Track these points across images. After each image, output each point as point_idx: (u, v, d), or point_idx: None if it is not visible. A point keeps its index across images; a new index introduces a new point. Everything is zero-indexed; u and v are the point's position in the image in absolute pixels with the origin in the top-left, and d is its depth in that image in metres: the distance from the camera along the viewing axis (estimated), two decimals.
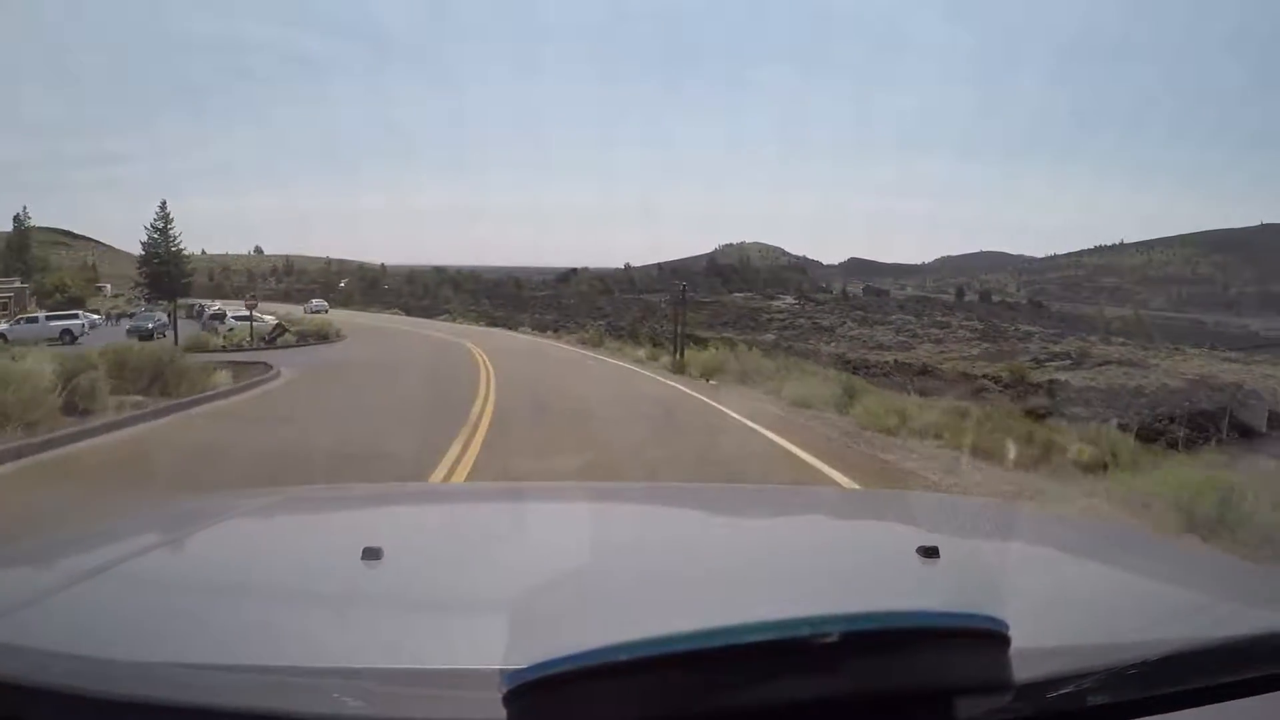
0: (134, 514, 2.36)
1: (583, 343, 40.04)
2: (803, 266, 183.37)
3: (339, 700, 1.00)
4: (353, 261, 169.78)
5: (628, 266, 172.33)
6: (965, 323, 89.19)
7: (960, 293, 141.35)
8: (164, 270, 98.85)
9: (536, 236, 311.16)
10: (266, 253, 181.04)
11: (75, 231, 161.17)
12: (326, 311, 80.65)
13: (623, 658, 0.81)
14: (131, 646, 1.18)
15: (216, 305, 53.90)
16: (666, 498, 2.81)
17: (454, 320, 67.71)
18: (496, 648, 1.06)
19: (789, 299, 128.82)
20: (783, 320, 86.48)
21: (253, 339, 35.42)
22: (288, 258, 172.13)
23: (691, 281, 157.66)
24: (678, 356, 27.93)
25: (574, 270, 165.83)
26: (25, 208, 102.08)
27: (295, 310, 66.65)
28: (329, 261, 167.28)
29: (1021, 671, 0.92)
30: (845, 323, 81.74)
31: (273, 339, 36.13)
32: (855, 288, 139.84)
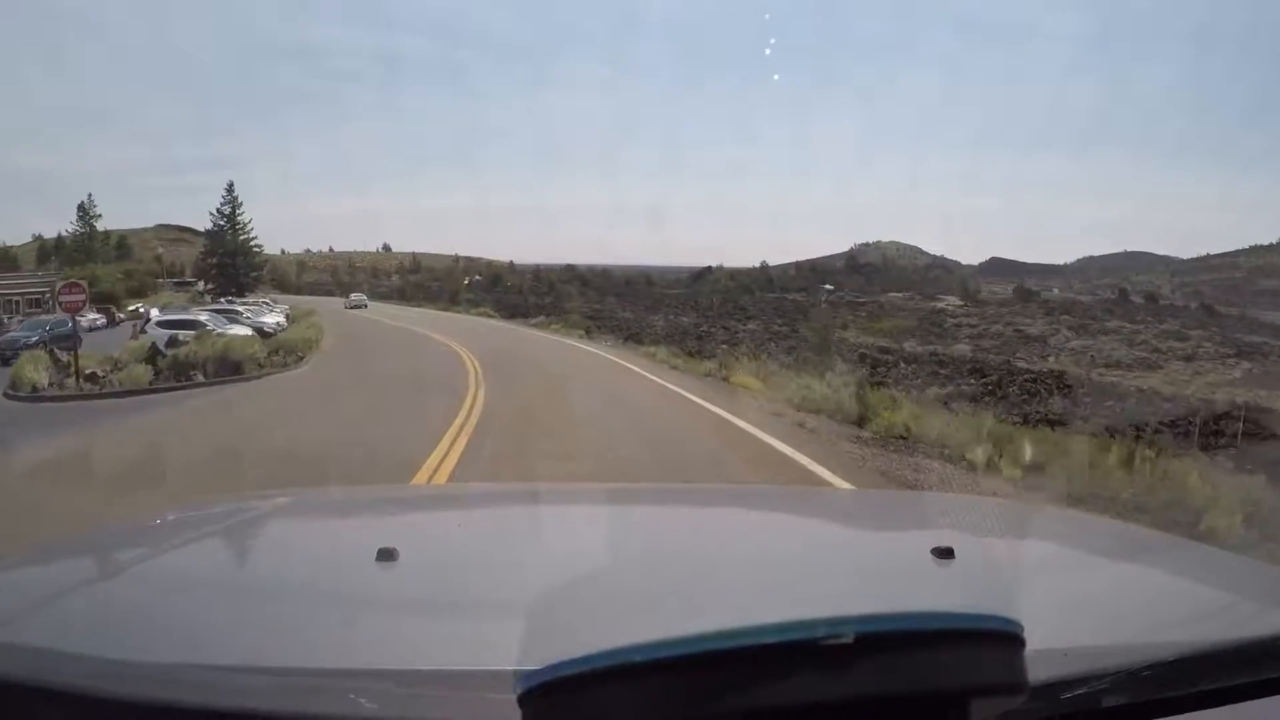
0: (149, 515, 2.20)
1: (796, 409, 13.86)
2: (948, 265, 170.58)
3: (354, 701, 1.00)
4: (481, 259, 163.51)
5: (764, 265, 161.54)
6: (1190, 330, 70.87)
7: (1124, 294, 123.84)
8: (229, 262, 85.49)
9: (666, 236, 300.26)
10: (394, 250, 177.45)
11: (197, 229, 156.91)
12: (365, 306, 74.45)
13: (637, 659, 0.81)
14: (147, 648, 1.17)
15: (144, 308, 39.96)
16: (681, 499, 2.74)
17: (548, 327, 44.77)
18: (511, 649, 1.05)
19: (952, 299, 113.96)
20: (973, 327, 69.59)
21: (76, 371, 19.25)
22: (414, 255, 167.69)
23: (833, 280, 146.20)
24: None
25: (708, 268, 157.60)
26: (90, 195, 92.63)
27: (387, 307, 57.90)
28: (456, 258, 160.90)
29: (1036, 672, 0.92)
30: (1059, 331, 64.48)
31: (93, 376, 19.14)
32: (1001, 288, 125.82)
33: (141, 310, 45.17)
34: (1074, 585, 1.62)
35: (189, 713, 0.96)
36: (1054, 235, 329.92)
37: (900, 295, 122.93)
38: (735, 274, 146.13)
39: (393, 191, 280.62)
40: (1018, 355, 53.38)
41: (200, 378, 20.31)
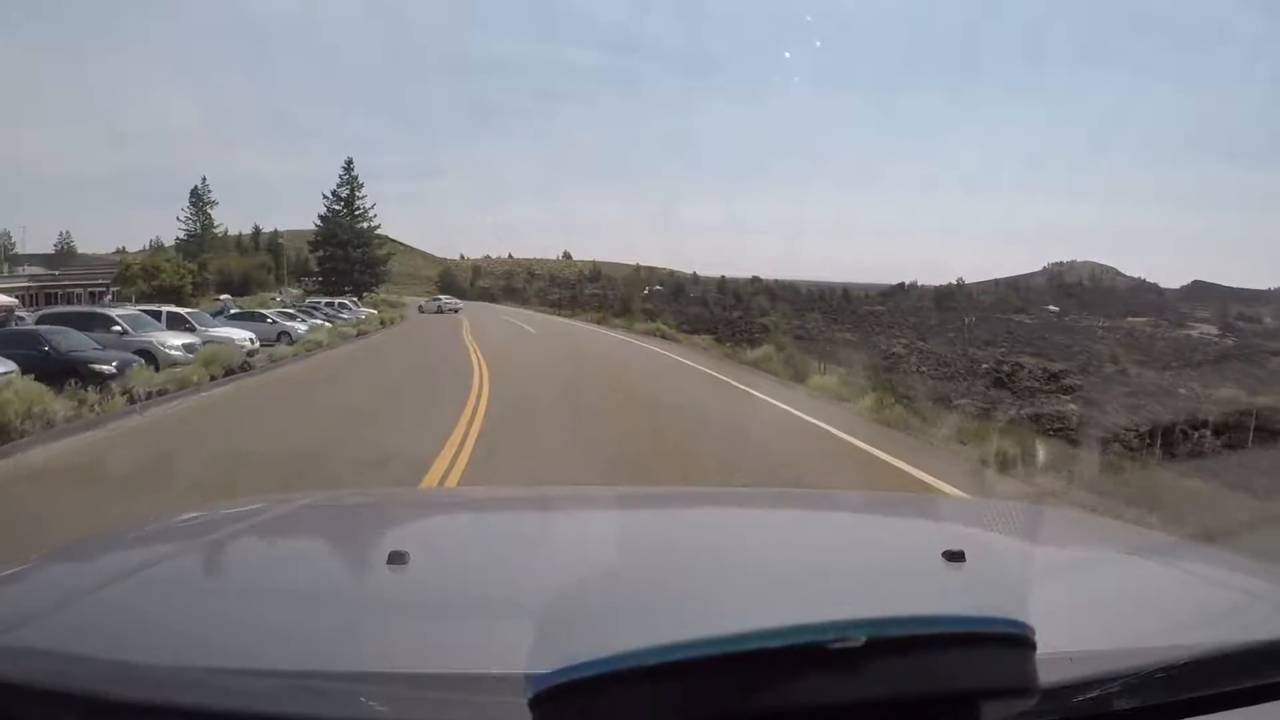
0: (160, 519, 2.12)
1: None
2: (1152, 288, 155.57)
3: (366, 705, 1.00)
4: (663, 269, 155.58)
5: (961, 282, 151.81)
6: None
7: None
8: (341, 253, 69.17)
9: (847, 249, 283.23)
10: (575, 257, 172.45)
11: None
12: (456, 310, 60.42)
13: (648, 662, 0.81)
14: (158, 650, 1.16)
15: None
16: (691, 501, 2.73)
17: (813, 385, 17.59)
18: (522, 652, 1.01)
19: (1207, 328, 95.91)
20: None
21: None
22: (595, 262, 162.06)
23: (1042, 301, 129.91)
24: None
25: (902, 284, 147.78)
26: (204, 179, 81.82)
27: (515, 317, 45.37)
28: (637, 267, 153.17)
29: (1046, 676, 0.91)
30: None
31: None
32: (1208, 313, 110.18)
33: None
34: (1085, 588, 1.60)
35: (199, 715, 0.97)
36: (1255, 258, 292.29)
37: (1141, 320, 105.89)
38: (931, 292, 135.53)
39: (577, 201, 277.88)
40: None
41: None
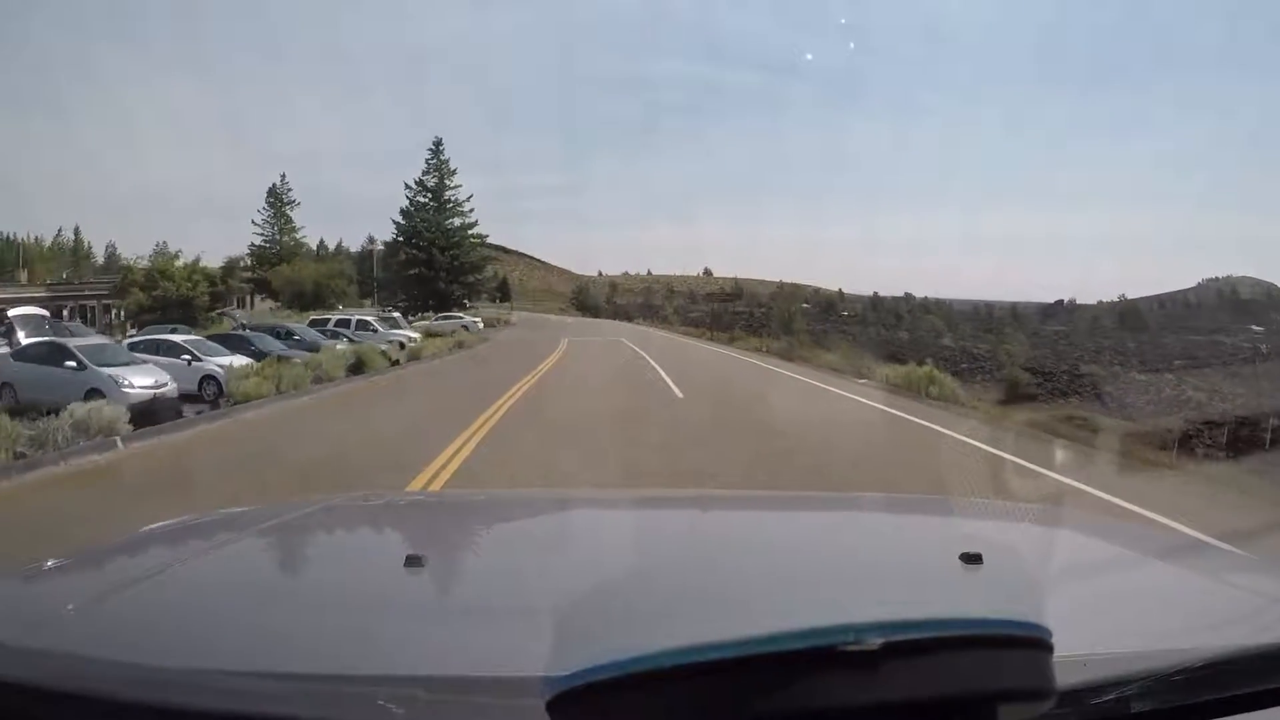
0: (178, 522, 2.12)
1: None
2: None
3: (383, 708, 0.98)
4: (808, 286, 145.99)
5: (1123, 298, 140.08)
6: None
7: None
8: (423, 256, 52.79)
9: (983, 267, 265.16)
10: (715, 274, 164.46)
11: (508, 247, 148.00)
12: (473, 328, 44.59)
13: (664, 665, 0.80)
14: (175, 653, 1.15)
15: None
16: (708, 504, 2.72)
17: None
18: (539, 655, 0.99)
19: None
20: None
21: None
22: (736, 279, 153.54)
23: (1211, 317, 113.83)
24: None
25: (1060, 301, 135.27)
26: (283, 177, 67.72)
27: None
28: (781, 285, 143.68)
29: (1064, 678, 0.90)
30: None
31: None
32: None
33: None
34: (1102, 591, 1.58)
35: (216, 717, 0.96)
36: None
37: None
38: (1108, 310, 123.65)
39: (716, 217, 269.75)
40: None
41: None
